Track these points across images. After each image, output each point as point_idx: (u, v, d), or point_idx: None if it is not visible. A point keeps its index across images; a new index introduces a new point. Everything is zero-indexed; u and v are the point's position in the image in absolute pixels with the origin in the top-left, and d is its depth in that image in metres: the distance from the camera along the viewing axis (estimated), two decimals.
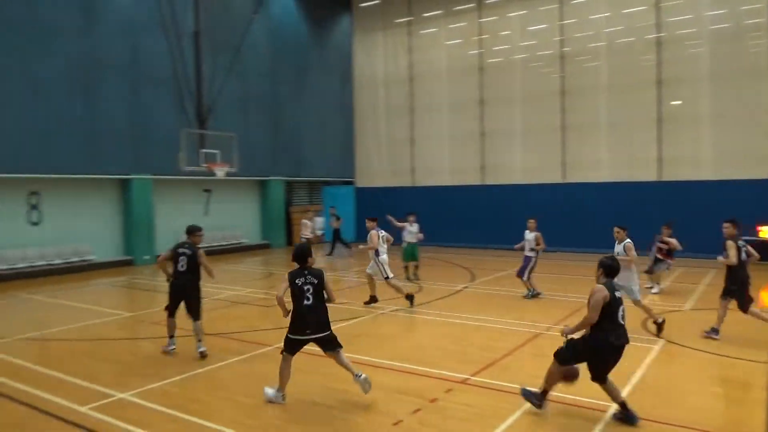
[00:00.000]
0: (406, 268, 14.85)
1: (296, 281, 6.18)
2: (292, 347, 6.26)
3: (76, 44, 17.33)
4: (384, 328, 9.78)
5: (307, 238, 18.13)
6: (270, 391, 6.31)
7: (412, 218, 14.88)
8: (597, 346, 5.54)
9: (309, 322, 6.13)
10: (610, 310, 5.49)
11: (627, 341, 5.62)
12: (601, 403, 5.88)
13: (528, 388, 5.94)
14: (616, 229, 9.49)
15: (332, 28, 27.40)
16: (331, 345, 6.29)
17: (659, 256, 12.27)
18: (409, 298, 11.15)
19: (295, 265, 6.33)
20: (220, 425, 5.70)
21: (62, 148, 17.00)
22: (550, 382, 5.77)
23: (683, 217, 15.38)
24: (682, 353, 7.99)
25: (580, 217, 20.18)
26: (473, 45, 22.77)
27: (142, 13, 18.71)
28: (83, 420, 5.91)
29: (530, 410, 5.88)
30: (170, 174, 19.24)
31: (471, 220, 22.43)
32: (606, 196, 19.79)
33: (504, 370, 7.27)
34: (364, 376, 6.17)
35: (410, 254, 14.72)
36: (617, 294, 5.62)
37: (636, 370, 7.09)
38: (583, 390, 5.97)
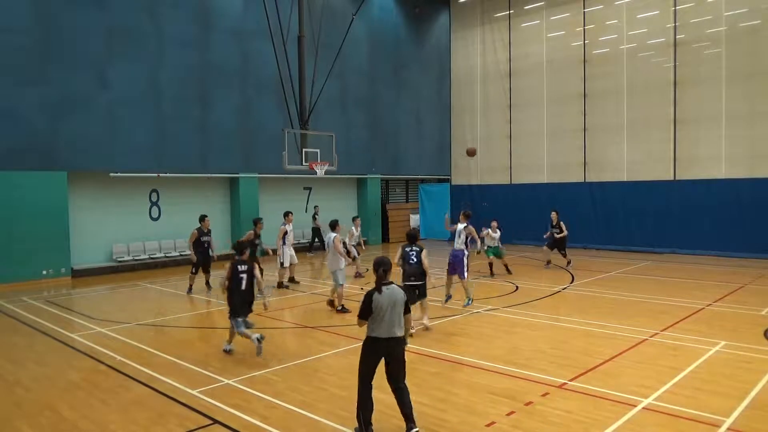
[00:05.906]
0: (492, 263, 15.10)
1: (406, 249, 8.99)
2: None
3: (193, 52, 18.68)
4: (480, 327, 9.66)
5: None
6: None
7: (495, 224, 15.18)
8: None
9: (408, 274, 8.92)
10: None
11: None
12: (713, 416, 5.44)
13: None
14: None
15: (430, 25, 27.41)
16: (414, 298, 8.77)
17: None
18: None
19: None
20: (317, 415, 5.91)
21: (179, 149, 18.42)
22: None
23: None
24: None
25: (697, 218, 18.73)
26: (577, 36, 21.83)
27: (250, 21, 19.81)
28: (194, 402, 6.36)
29: (632, 420, 5.58)
30: (274, 173, 20.21)
31: (571, 218, 21.51)
32: (724, 194, 18.20)
33: (605, 377, 6.93)
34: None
35: (493, 253, 15.05)
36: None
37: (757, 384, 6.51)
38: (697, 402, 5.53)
